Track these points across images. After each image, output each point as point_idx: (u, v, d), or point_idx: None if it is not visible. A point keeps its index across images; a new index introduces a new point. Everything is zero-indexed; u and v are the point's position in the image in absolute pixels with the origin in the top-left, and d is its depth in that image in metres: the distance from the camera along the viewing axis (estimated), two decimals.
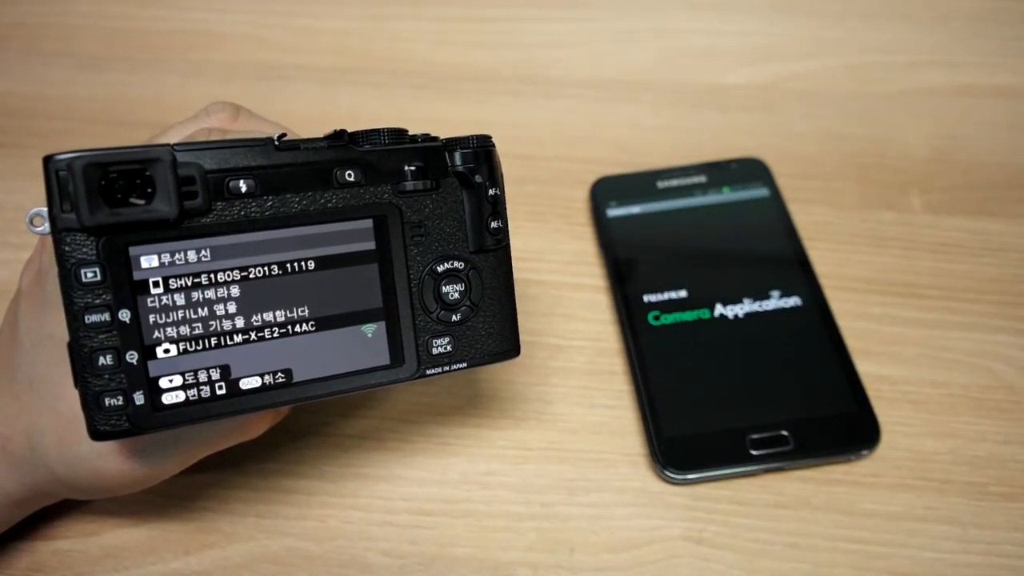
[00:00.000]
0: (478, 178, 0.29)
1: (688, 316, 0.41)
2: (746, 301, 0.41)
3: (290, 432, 0.38)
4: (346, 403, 0.39)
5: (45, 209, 0.25)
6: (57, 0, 0.57)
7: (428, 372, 0.29)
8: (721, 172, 0.47)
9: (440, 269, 0.29)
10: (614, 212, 0.45)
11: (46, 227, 0.25)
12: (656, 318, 0.41)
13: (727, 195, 0.46)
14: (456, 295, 0.29)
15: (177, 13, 0.56)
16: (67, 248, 0.24)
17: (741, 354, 0.40)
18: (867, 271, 0.44)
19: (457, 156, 0.29)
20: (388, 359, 0.29)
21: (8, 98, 0.53)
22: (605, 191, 0.46)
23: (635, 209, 0.45)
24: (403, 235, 0.28)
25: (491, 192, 0.29)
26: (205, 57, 0.55)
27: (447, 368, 0.30)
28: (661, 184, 0.46)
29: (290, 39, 0.56)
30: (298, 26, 0.56)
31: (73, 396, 0.27)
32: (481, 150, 0.29)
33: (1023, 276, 0.43)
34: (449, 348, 0.30)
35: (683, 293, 0.42)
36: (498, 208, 0.30)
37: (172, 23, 0.56)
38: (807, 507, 0.36)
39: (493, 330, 0.30)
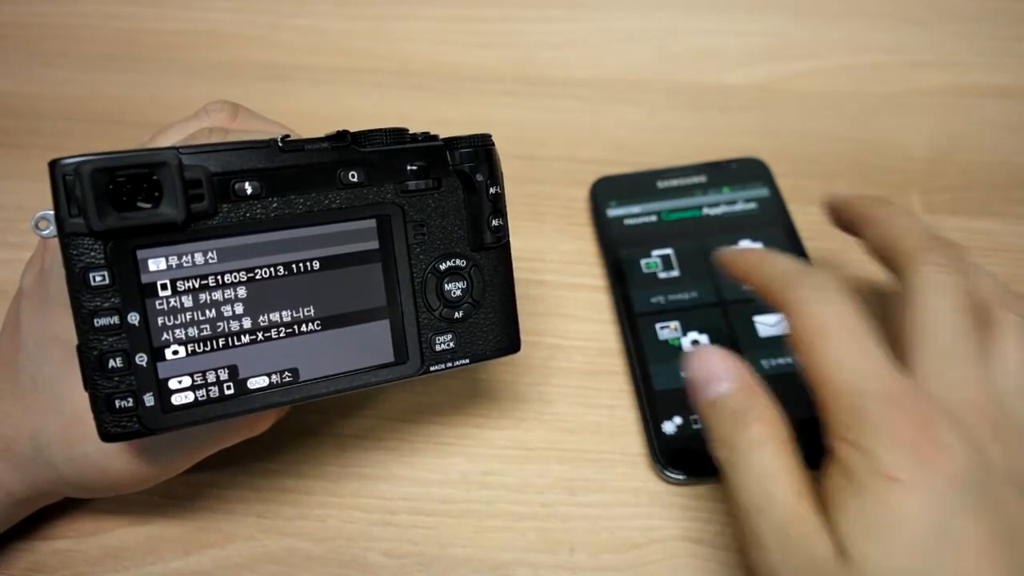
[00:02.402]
0: (479, 177, 0.29)
1: (688, 316, 0.41)
2: (746, 301, 0.42)
3: (290, 432, 0.38)
4: (347, 403, 0.39)
5: (51, 212, 0.25)
6: (57, 0, 0.57)
7: (432, 369, 0.30)
8: (721, 172, 0.47)
9: (442, 267, 0.29)
10: (614, 212, 0.45)
11: (52, 230, 0.25)
12: (656, 317, 0.41)
13: (727, 195, 0.46)
14: (458, 292, 0.30)
15: (178, 13, 0.57)
16: (75, 252, 0.24)
17: (741, 354, 0.40)
18: (867, 271, 0.44)
19: (458, 155, 0.29)
20: (392, 356, 0.29)
21: (9, 98, 0.53)
22: (605, 191, 0.46)
23: (635, 209, 0.45)
24: (406, 234, 0.29)
25: (492, 190, 0.30)
26: (205, 57, 0.55)
27: (450, 364, 0.30)
28: (661, 184, 0.46)
29: (290, 39, 0.56)
30: (298, 26, 0.56)
31: (78, 396, 0.27)
32: (481, 149, 0.29)
33: (1023, 276, 0.43)
34: (452, 345, 0.30)
35: (683, 293, 0.42)
36: (499, 206, 0.30)
37: (173, 23, 0.56)
38: None
39: (495, 326, 0.31)
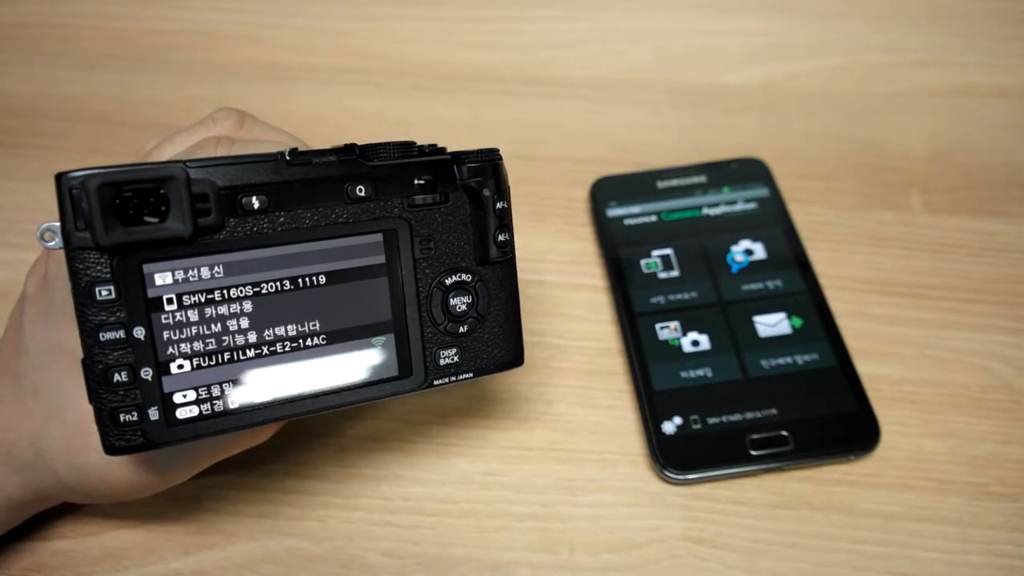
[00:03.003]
0: (486, 192, 0.29)
1: (688, 316, 0.41)
2: (746, 301, 0.42)
3: (292, 434, 0.38)
4: None
5: (56, 224, 0.25)
6: (57, 0, 0.57)
7: (435, 383, 0.30)
8: (721, 172, 0.47)
9: (448, 282, 0.29)
10: (614, 212, 0.45)
11: (57, 242, 0.25)
12: (656, 318, 0.41)
13: (727, 195, 0.46)
14: (463, 307, 0.30)
15: (178, 13, 0.56)
16: (81, 266, 0.24)
17: (741, 354, 0.40)
18: (867, 271, 0.44)
19: (465, 170, 0.29)
20: (397, 371, 0.29)
21: (8, 98, 0.53)
22: (605, 191, 0.46)
23: (635, 209, 0.45)
24: (412, 249, 0.29)
25: (498, 205, 0.30)
26: (205, 57, 0.55)
27: (454, 378, 0.30)
28: (661, 184, 0.46)
29: (290, 39, 0.55)
30: (298, 26, 0.56)
31: (82, 405, 0.27)
32: (489, 164, 0.29)
33: (1023, 276, 0.43)
34: (456, 359, 0.30)
35: (683, 293, 0.42)
36: (505, 221, 0.30)
37: (172, 23, 0.56)
38: (807, 507, 0.36)
39: (498, 340, 0.31)
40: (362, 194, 0.27)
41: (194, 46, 0.55)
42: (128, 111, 0.52)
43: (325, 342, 0.28)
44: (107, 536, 0.35)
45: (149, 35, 0.56)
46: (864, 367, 0.40)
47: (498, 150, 0.30)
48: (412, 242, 0.29)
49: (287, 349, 0.27)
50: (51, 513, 0.35)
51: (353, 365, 0.28)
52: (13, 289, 0.32)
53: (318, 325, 0.28)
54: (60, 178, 0.24)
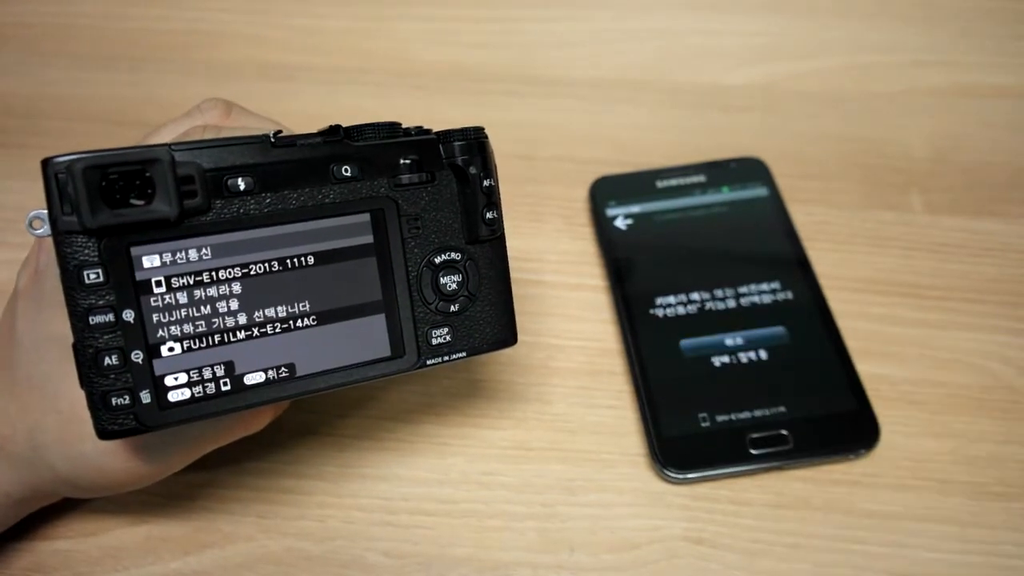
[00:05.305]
0: (472, 170, 0.29)
1: (687, 316, 0.41)
2: (745, 301, 0.42)
3: (290, 432, 0.38)
4: (346, 403, 0.39)
5: (44, 211, 0.25)
6: (57, 0, 0.57)
7: (428, 362, 0.30)
8: (721, 172, 0.47)
9: (437, 260, 0.29)
10: (614, 212, 0.45)
11: (45, 229, 0.25)
12: (655, 317, 0.41)
13: (727, 195, 0.46)
14: (454, 286, 0.30)
15: (177, 13, 0.56)
16: (68, 250, 0.24)
17: (741, 353, 0.40)
18: (867, 271, 0.44)
19: (451, 148, 0.29)
20: (389, 351, 0.29)
21: (8, 98, 0.53)
22: (605, 191, 0.46)
23: (635, 209, 0.45)
24: (400, 228, 0.29)
25: (486, 183, 0.30)
26: (205, 57, 0.55)
27: (447, 358, 0.30)
28: (661, 184, 0.46)
29: (290, 39, 0.56)
30: (298, 26, 0.56)
31: (75, 395, 0.27)
32: (474, 142, 0.29)
33: (1023, 276, 0.43)
34: (448, 338, 0.30)
35: (682, 293, 0.42)
36: (493, 199, 0.30)
37: (172, 23, 0.56)
38: (807, 507, 0.36)
39: (491, 319, 0.31)
40: (348, 174, 0.27)
41: (194, 46, 0.55)
42: (128, 111, 0.52)
43: (315, 323, 0.28)
44: (107, 536, 0.35)
45: (150, 35, 0.56)
46: (864, 367, 0.40)
47: (483, 128, 0.30)
48: (399, 221, 0.28)
49: (277, 330, 0.27)
50: (51, 512, 0.35)
51: (344, 346, 0.28)
52: (12, 289, 0.32)
53: (308, 306, 0.28)
54: (46, 163, 0.24)
